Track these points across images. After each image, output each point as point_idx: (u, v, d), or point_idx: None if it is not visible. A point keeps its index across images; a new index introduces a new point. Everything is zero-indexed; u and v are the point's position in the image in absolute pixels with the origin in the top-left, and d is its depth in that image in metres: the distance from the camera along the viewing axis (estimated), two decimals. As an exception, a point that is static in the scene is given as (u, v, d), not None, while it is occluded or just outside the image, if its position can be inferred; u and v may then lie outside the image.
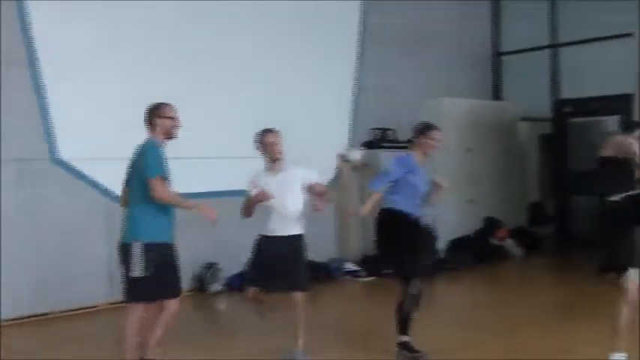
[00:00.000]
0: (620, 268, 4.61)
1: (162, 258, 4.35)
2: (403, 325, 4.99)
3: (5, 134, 6.50)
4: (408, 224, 5.00)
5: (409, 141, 5.42)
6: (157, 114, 4.51)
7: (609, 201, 4.66)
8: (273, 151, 5.07)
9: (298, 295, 4.99)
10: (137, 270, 4.27)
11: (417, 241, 5.02)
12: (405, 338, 4.99)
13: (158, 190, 4.32)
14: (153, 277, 4.28)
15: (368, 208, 5.07)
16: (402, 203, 5.02)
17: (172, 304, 4.47)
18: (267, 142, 5.08)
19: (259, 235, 5.12)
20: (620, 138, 4.87)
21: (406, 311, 4.97)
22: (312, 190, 5.06)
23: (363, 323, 6.52)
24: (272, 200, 4.94)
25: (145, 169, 4.35)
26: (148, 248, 4.30)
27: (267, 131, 5.14)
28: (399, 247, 4.99)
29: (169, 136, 4.56)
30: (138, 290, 4.34)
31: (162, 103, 4.56)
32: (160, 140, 4.53)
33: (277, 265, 4.94)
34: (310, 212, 5.15)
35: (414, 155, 5.17)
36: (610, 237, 4.74)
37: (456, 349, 5.30)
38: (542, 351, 5.25)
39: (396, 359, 4.95)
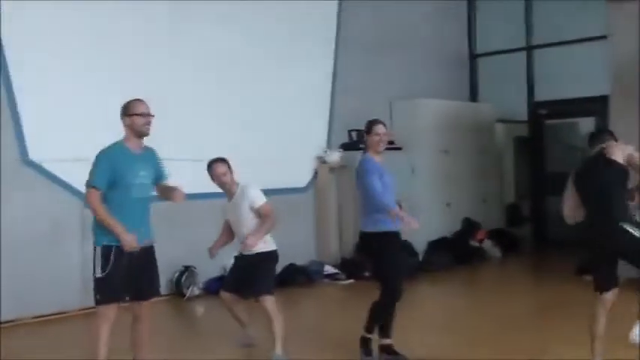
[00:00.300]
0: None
1: (119, 260, 4.20)
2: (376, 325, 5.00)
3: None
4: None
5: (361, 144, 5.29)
6: (125, 112, 4.34)
7: None
8: (220, 182, 5.23)
9: (265, 301, 5.06)
10: (97, 271, 4.22)
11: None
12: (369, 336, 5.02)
13: (88, 199, 4.28)
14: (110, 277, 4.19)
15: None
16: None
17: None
18: (214, 174, 5.23)
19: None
20: (629, 148, 4.42)
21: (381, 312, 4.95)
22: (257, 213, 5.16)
23: (343, 326, 6.42)
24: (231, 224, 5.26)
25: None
26: (104, 251, 4.20)
27: (214, 162, 5.26)
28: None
29: (140, 133, 4.33)
30: (99, 291, 4.23)
31: (132, 100, 4.37)
32: (129, 140, 4.34)
33: (244, 276, 5.21)
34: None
35: (372, 156, 4.98)
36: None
37: (437, 353, 5.23)
38: (521, 351, 5.20)
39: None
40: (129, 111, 4.32)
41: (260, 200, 5.15)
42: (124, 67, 7.29)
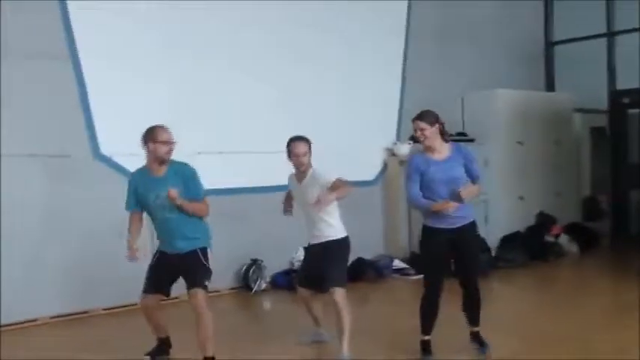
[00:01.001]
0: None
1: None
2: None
3: (49, 129, 6.42)
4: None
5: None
6: (149, 138, 4.55)
7: None
8: (298, 162, 5.00)
9: (336, 293, 4.85)
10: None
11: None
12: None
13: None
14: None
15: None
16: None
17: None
18: (294, 153, 5.00)
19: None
20: None
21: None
22: (333, 188, 4.83)
23: (413, 324, 6.24)
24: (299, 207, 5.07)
25: None
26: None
27: (296, 140, 5.03)
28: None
29: (161, 160, 4.57)
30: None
31: (155, 127, 4.57)
32: (150, 165, 4.62)
33: (317, 267, 5.02)
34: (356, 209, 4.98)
35: (419, 154, 4.97)
36: None
37: (506, 355, 5.00)
38: (597, 354, 4.94)
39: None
40: (152, 138, 4.52)
41: (334, 175, 4.89)
42: (188, 61, 7.29)
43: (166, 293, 4.83)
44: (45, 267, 6.36)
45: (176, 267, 4.71)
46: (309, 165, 5.02)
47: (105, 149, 6.77)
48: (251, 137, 7.65)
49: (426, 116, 4.84)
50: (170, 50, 7.17)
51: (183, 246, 4.66)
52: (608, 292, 7.68)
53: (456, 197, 4.60)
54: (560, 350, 5.12)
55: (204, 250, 4.73)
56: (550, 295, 7.49)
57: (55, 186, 6.47)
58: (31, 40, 6.31)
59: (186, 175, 4.64)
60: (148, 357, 4.95)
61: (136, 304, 5.23)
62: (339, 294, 4.83)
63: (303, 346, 5.33)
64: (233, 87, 7.58)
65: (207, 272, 4.70)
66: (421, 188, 4.78)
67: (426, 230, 4.90)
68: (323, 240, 5.00)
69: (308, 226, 5.08)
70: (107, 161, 6.77)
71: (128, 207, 4.77)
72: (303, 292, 5.25)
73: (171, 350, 5.03)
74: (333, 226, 5.00)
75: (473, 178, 4.85)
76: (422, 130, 4.79)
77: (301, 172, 5.02)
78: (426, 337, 4.97)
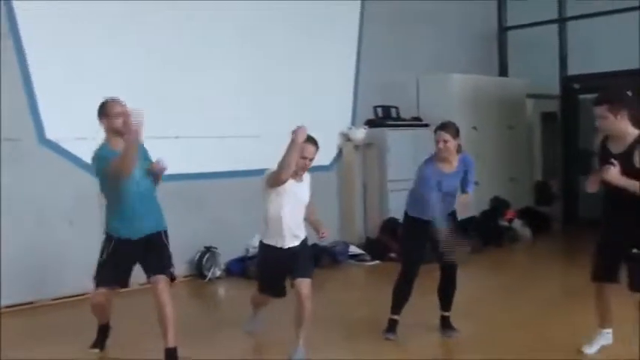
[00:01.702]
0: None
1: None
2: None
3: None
4: None
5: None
6: (103, 114, 4.42)
7: None
8: (305, 165, 4.60)
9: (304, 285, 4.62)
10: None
11: None
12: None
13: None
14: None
15: None
16: None
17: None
18: (302, 155, 4.54)
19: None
20: None
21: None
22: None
23: (370, 309, 6.22)
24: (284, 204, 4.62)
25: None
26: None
27: (308, 141, 4.54)
28: None
29: (119, 133, 4.33)
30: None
31: (107, 101, 4.43)
32: (110, 141, 4.42)
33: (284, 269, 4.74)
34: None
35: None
36: None
37: (461, 340, 5.02)
38: (551, 337, 5.00)
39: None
40: (105, 112, 4.39)
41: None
42: (142, 41, 7.06)
43: (126, 285, 4.62)
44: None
45: (138, 252, 4.48)
46: None
47: (50, 134, 6.52)
48: (206, 122, 7.49)
49: (450, 128, 4.89)
50: (122, 30, 6.91)
51: (148, 225, 4.48)
52: (560, 277, 7.79)
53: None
54: (515, 334, 5.15)
55: (166, 232, 4.58)
56: (504, 279, 7.55)
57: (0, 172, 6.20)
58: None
59: (144, 151, 4.52)
60: (97, 349, 4.76)
61: (85, 294, 5.06)
62: (308, 284, 4.61)
63: (254, 334, 5.23)
64: (188, 71, 7.39)
65: (170, 257, 4.55)
66: (414, 193, 5.03)
67: (409, 220, 5.05)
68: (298, 243, 4.70)
69: (285, 228, 4.62)
70: (53, 146, 6.51)
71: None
72: (265, 299, 5.03)
73: (110, 332, 4.85)
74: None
75: (465, 188, 5.01)
76: (445, 141, 4.83)
77: (301, 174, 4.66)
78: (395, 317, 5.08)
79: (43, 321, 5.98)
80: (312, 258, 5.00)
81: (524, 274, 7.73)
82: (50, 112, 6.49)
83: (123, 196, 4.39)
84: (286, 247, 4.65)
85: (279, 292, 4.85)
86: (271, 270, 4.79)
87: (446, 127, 4.87)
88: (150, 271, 4.50)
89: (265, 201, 4.63)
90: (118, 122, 4.32)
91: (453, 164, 4.91)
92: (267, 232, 4.71)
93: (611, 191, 4.22)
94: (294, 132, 4.40)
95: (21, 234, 6.27)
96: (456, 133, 4.88)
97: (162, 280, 4.45)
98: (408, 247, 5.11)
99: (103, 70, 6.74)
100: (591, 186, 4.34)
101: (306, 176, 4.75)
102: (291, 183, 4.56)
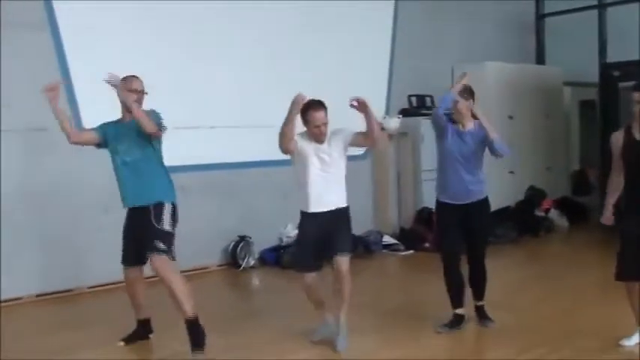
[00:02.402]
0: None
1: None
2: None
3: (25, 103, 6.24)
4: None
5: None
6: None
7: None
8: (321, 134, 4.48)
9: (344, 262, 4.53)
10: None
11: None
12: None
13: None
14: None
15: None
16: None
17: None
18: (315, 124, 4.46)
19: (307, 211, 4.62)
20: None
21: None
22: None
23: (404, 300, 6.20)
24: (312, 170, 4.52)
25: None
26: None
27: (315, 107, 4.48)
28: None
29: (123, 105, 4.47)
30: None
31: (126, 76, 4.50)
32: (122, 116, 4.56)
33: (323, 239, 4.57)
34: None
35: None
36: None
37: (497, 330, 4.96)
38: (588, 328, 4.92)
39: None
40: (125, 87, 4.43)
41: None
42: (187, 31, 7.13)
43: (135, 262, 4.65)
44: (28, 245, 6.22)
45: (136, 227, 4.55)
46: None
47: (87, 123, 6.58)
48: (240, 112, 7.52)
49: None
50: (157, 20, 6.96)
51: (136, 198, 4.51)
52: (597, 267, 7.64)
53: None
54: (551, 324, 5.09)
55: (160, 205, 4.45)
56: (540, 270, 7.45)
57: (34, 161, 6.29)
58: (7, 9, 6.09)
59: (149, 112, 4.51)
60: (122, 343, 4.75)
61: (121, 282, 5.11)
62: (347, 261, 4.50)
63: (290, 321, 5.24)
64: (221, 62, 7.42)
65: (164, 234, 4.41)
66: (438, 170, 5.18)
67: (440, 206, 5.02)
68: (333, 207, 4.53)
69: (317, 192, 4.50)
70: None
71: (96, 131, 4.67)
72: (309, 278, 4.60)
73: (152, 335, 4.85)
74: (344, 192, 4.64)
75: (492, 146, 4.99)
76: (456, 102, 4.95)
77: (321, 140, 4.54)
78: (457, 311, 4.96)
79: (78, 309, 6.08)
80: (350, 231, 4.68)
81: (561, 265, 7.62)
82: (86, 101, 6.56)
83: (114, 168, 4.58)
84: (318, 211, 4.49)
85: (313, 263, 4.55)
86: (305, 238, 4.56)
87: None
88: (145, 250, 4.45)
89: (294, 168, 4.61)
90: (131, 97, 4.38)
91: (467, 125, 4.91)
92: (301, 199, 4.56)
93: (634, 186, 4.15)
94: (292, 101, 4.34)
95: (58, 223, 6.37)
96: (469, 94, 4.90)
97: (155, 260, 4.36)
98: (443, 235, 5.02)
99: (138, 59, 6.78)
100: (607, 220, 4.56)
101: (337, 132, 4.56)
102: (315, 147, 4.48)
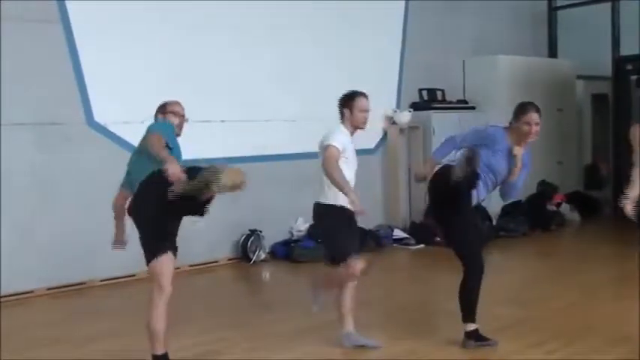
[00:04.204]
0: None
1: None
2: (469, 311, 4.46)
3: (38, 96, 6.27)
4: None
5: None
6: (161, 110, 4.29)
7: None
8: (365, 120, 4.55)
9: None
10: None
11: None
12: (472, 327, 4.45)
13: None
14: None
15: None
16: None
17: None
18: (362, 108, 4.52)
19: (339, 205, 4.48)
20: None
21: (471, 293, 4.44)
22: None
23: (415, 293, 6.19)
24: (352, 168, 4.52)
25: None
26: None
27: (362, 94, 4.59)
28: None
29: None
30: None
31: (168, 101, 4.33)
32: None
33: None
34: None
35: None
36: None
37: (510, 325, 4.93)
38: (600, 322, 4.89)
39: (463, 346, 4.46)
40: (165, 109, 4.29)
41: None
42: (187, 27, 7.10)
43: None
44: (40, 238, 6.25)
45: None
46: None
47: (99, 117, 6.63)
48: (251, 106, 7.52)
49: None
50: (168, 15, 6.96)
51: None
52: (609, 261, 7.62)
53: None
54: (562, 319, 5.07)
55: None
56: (552, 264, 7.43)
57: (47, 154, 6.33)
58: (20, 3, 6.12)
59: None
60: None
61: (133, 275, 5.14)
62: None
63: (300, 315, 5.24)
64: (234, 55, 7.43)
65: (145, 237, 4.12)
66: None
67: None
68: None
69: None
70: (101, 129, 6.62)
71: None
72: (359, 263, 4.38)
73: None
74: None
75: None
76: (537, 124, 4.45)
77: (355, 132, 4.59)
78: (474, 326, 4.46)
79: (90, 302, 6.13)
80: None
81: (573, 259, 7.59)
82: (99, 96, 6.59)
83: None
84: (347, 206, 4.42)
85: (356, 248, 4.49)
86: (344, 227, 4.45)
87: (537, 108, 4.48)
88: None
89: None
90: (174, 120, 4.23)
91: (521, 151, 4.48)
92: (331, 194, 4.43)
93: None
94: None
95: (70, 216, 6.40)
96: None
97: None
98: (470, 237, 4.50)
99: (150, 55, 6.82)
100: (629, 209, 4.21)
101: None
102: (349, 145, 4.50)
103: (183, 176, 3.76)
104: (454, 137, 4.61)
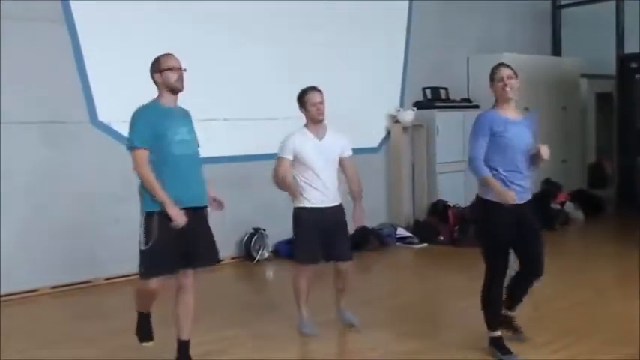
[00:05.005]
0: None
1: (164, 229, 3.81)
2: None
3: (42, 95, 6.27)
4: None
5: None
6: (156, 68, 4.01)
7: None
8: (318, 111, 4.71)
9: (345, 265, 4.79)
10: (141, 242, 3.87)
11: None
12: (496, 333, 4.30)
13: (135, 162, 3.89)
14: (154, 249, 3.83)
15: None
16: None
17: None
18: (311, 102, 4.73)
19: (300, 207, 4.76)
20: None
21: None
22: (342, 165, 4.79)
23: (418, 292, 6.18)
24: (314, 168, 4.67)
25: (127, 139, 3.96)
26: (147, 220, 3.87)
27: (311, 89, 4.80)
28: None
29: (174, 89, 3.99)
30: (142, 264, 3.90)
31: (161, 55, 4.07)
32: (162, 98, 4.01)
33: (325, 237, 4.69)
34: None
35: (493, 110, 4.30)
36: None
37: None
38: (606, 320, 4.88)
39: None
40: (160, 66, 4.00)
41: (350, 151, 4.85)
42: (190, 25, 7.10)
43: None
44: (44, 237, 6.26)
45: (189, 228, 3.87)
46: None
47: (103, 116, 6.63)
48: (254, 104, 7.52)
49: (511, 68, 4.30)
50: (171, 14, 6.97)
51: (196, 195, 3.99)
52: (613, 260, 7.61)
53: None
54: (568, 317, 5.07)
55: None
56: (556, 263, 7.35)
57: (51, 153, 6.34)
58: (24, 3, 6.13)
59: (191, 119, 4.17)
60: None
61: (137, 274, 5.10)
62: (350, 267, 4.82)
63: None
64: (237, 54, 7.43)
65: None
66: (490, 154, 4.15)
67: (486, 205, 4.15)
68: (335, 204, 4.72)
69: (317, 187, 4.68)
70: (105, 128, 6.63)
71: (143, 143, 3.85)
72: (308, 270, 4.80)
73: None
74: (338, 191, 4.79)
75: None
76: (509, 77, 4.23)
77: (318, 126, 4.75)
78: (497, 333, 4.29)
79: (95, 300, 6.13)
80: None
81: (577, 258, 7.58)
82: (102, 95, 6.60)
83: (164, 161, 3.95)
84: (324, 207, 4.68)
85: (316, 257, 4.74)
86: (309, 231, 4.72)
87: (507, 65, 4.31)
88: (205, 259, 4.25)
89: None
90: (172, 76, 3.97)
91: (517, 111, 4.27)
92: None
93: None
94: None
95: (74, 214, 6.41)
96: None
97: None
98: (491, 242, 4.21)
99: (153, 54, 6.77)
100: None
101: (329, 128, 4.80)
102: (311, 145, 4.69)
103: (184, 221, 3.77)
104: (476, 158, 4.18)
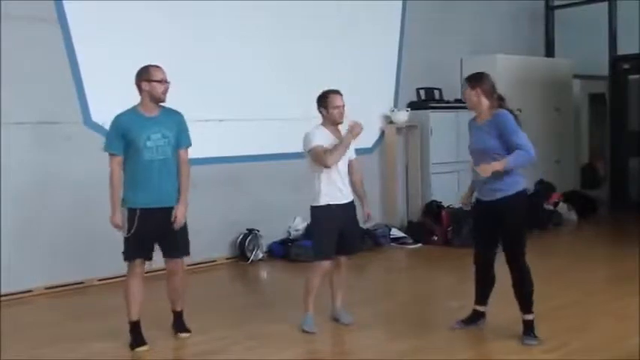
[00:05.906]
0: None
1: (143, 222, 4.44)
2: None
3: (35, 96, 6.26)
4: None
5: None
6: (144, 77, 4.44)
7: None
8: (340, 114, 4.90)
9: (345, 259, 5.00)
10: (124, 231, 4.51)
11: None
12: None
13: (110, 165, 4.52)
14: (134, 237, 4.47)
15: None
16: None
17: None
18: (333, 105, 4.89)
19: (321, 205, 4.82)
20: None
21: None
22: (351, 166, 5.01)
23: (412, 292, 6.20)
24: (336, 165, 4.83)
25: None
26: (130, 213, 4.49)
27: (333, 92, 4.96)
28: None
29: (158, 100, 4.46)
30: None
31: (150, 66, 4.48)
32: (143, 105, 4.47)
33: (341, 232, 4.86)
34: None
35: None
36: None
37: (507, 324, 4.93)
38: (597, 322, 4.90)
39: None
40: (149, 77, 4.42)
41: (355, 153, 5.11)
42: (185, 26, 7.10)
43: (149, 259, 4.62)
44: (38, 238, 6.25)
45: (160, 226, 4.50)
46: None
47: (96, 116, 6.62)
48: (249, 106, 7.51)
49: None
50: (166, 15, 6.95)
51: (163, 197, 4.47)
52: (606, 260, 7.64)
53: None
54: (560, 318, 5.08)
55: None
56: (549, 263, 7.41)
57: (45, 154, 6.32)
58: (17, 3, 6.10)
59: (181, 123, 4.57)
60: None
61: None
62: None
63: (298, 314, 5.25)
64: (231, 55, 7.42)
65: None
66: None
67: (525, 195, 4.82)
68: (349, 200, 4.92)
69: (334, 183, 4.82)
70: (98, 129, 6.62)
71: (114, 149, 4.45)
72: (325, 267, 4.87)
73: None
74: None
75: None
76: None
77: (335, 128, 4.93)
78: (476, 307, 4.83)
79: (88, 301, 6.11)
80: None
81: (569, 258, 7.60)
82: (96, 95, 6.58)
83: (135, 164, 4.56)
84: (340, 203, 4.84)
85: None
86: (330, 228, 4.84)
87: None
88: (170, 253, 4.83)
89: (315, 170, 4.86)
90: (159, 89, 4.41)
91: (483, 117, 4.67)
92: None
93: None
94: (351, 126, 4.78)
95: (67, 215, 6.40)
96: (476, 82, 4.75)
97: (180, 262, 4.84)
98: (475, 232, 4.91)
99: (147, 55, 6.76)
100: None
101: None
102: (329, 137, 4.85)
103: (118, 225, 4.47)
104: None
